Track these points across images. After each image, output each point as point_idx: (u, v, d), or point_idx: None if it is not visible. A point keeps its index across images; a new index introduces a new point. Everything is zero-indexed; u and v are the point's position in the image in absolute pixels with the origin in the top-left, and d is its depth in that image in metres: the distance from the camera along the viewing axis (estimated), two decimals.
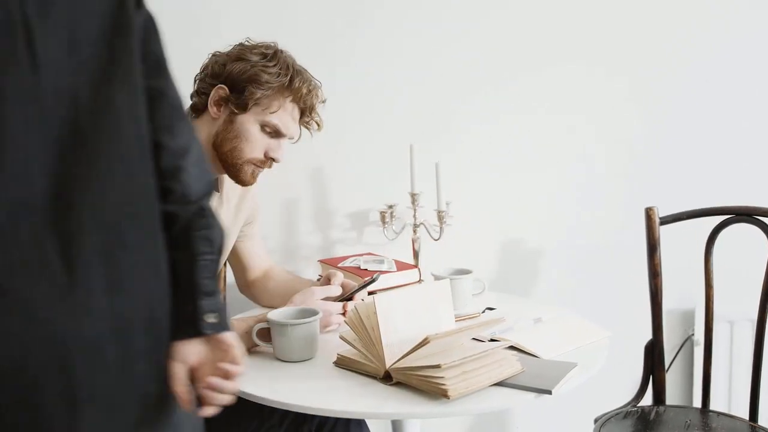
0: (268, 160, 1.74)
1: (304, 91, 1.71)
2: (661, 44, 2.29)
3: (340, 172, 2.26)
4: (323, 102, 1.82)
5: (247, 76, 1.67)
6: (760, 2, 2.30)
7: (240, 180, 1.75)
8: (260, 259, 2.01)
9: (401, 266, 2.02)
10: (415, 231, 2.17)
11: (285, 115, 1.71)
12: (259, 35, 1.77)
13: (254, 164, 1.73)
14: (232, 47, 1.75)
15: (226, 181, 1.82)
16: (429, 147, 2.19)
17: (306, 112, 1.76)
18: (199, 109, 1.74)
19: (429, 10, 2.22)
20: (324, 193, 2.26)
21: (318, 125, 1.81)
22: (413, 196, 2.15)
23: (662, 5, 2.28)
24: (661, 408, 2.02)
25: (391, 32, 2.22)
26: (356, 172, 2.26)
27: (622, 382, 2.27)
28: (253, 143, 1.70)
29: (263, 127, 1.70)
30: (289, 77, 1.69)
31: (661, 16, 2.28)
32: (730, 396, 2.35)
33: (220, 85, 1.68)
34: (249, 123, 1.69)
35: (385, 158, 2.25)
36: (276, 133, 1.72)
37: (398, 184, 2.21)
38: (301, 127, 1.82)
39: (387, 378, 1.43)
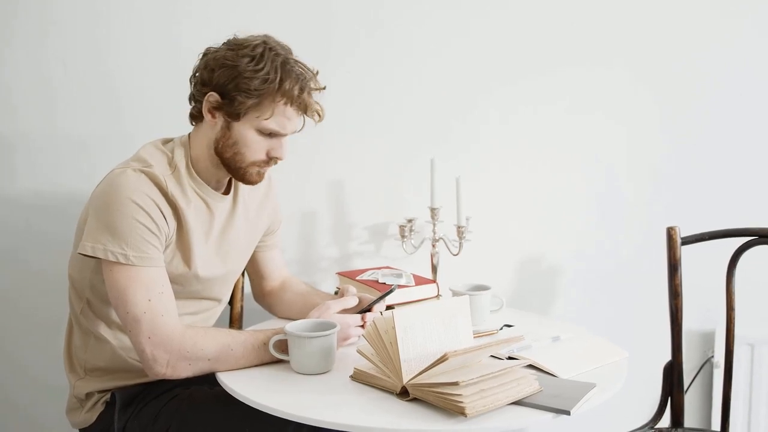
0: (272, 159, 1.69)
1: (296, 92, 1.63)
2: (689, 64, 2.28)
3: (359, 185, 2.26)
4: (322, 89, 1.70)
5: (235, 85, 1.61)
6: None
7: (247, 181, 1.72)
8: (278, 269, 2.01)
9: (419, 281, 2.01)
10: (434, 246, 2.17)
11: (280, 117, 1.64)
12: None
13: (258, 166, 1.69)
14: (220, 46, 1.67)
15: (243, 186, 1.82)
16: (450, 161, 2.18)
17: (302, 111, 1.68)
18: (195, 115, 1.71)
19: (451, 24, 2.22)
20: (343, 206, 2.26)
21: (319, 115, 1.71)
22: (433, 210, 2.15)
23: (694, 23, 2.27)
24: (680, 430, 1.99)
25: (414, 45, 2.23)
26: (376, 185, 2.26)
27: (640, 403, 2.25)
28: (254, 147, 1.66)
29: (260, 131, 1.65)
30: (278, 80, 1.61)
31: (693, 33, 2.28)
32: (749, 420, 2.33)
33: (210, 93, 1.64)
34: (245, 129, 1.64)
35: (405, 172, 2.25)
36: (275, 134, 1.67)
37: (418, 198, 2.20)
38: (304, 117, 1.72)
39: (404, 394, 1.41)
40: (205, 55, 1.68)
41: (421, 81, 2.24)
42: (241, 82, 1.60)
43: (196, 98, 1.69)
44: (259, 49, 1.62)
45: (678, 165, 2.32)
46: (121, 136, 2.13)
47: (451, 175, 2.11)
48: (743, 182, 2.32)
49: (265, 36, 1.67)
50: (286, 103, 1.63)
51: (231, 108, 1.62)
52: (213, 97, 1.63)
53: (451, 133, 2.26)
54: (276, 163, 1.71)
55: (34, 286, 2.19)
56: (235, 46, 1.64)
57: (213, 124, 1.66)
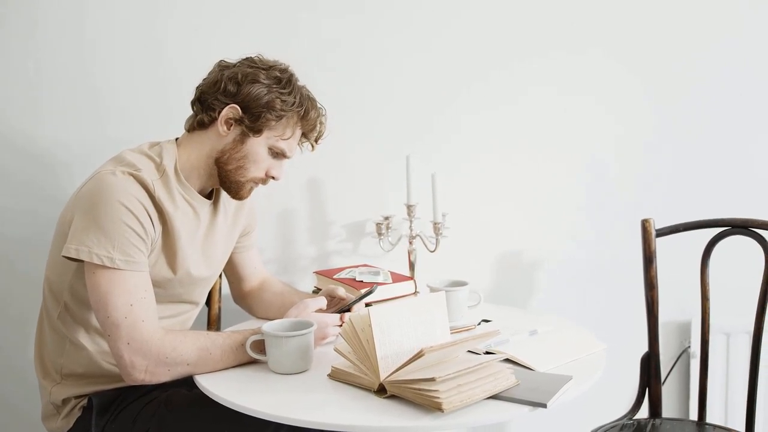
0: (268, 178, 1.75)
1: (318, 123, 1.76)
2: (670, 59, 2.29)
3: (336, 184, 2.26)
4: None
5: (264, 102, 1.65)
6: None
7: (238, 196, 1.75)
8: (256, 270, 2.00)
9: (397, 278, 2.01)
10: (411, 242, 2.17)
11: (293, 141, 1.74)
12: (257, 47, 1.76)
13: (254, 182, 1.75)
14: (241, 62, 1.71)
15: (223, 191, 1.82)
16: (425, 158, 2.19)
17: (312, 139, 1.79)
18: (204, 123, 1.71)
19: (428, 23, 2.22)
20: (320, 205, 2.26)
21: (313, 146, 1.82)
22: (409, 207, 2.15)
23: (688, 19, 2.28)
24: (657, 421, 2.01)
25: (389, 43, 2.23)
26: (352, 183, 2.26)
27: (618, 395, 2.26)
28: (259, 164, 1.71)
29: (271, 149, 1.71)
30: (304, 108, 1.70)
31: (679, 30, 2.29)
32: (726, 408, 2.35)
33: (233, 105, 1.66)
34: (259, 145, 1.69)
35: (381, 169, 2.25)
36: (280, 155, 1.73)
37: (394, 195, 2.21)
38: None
39: (381, 391, 1.42)
40: (225, 67, 1.71)
41: (399, 79, 2.24)
42: (270, 100, 1.66)
43: (211, 107, 1.69)
44: (286, 76, 1.71)
45: (652, 157, 2.33)
46: (103, 139, 2.13)
47: (427, 172, 2.12)
48: (716, 173, 2.33)
49: (287, 65, 1.75)
50: (302, 128, 1.74)
51: (254, 123, 1.67)
52: (235, 109, 1.66)
53: (427, 130, 2.26)
54: (267, 183, 1.77)
55: (21, 289, 2.18)
56: (263, 65, 1.71)
57: (224, 135, 1.69)
